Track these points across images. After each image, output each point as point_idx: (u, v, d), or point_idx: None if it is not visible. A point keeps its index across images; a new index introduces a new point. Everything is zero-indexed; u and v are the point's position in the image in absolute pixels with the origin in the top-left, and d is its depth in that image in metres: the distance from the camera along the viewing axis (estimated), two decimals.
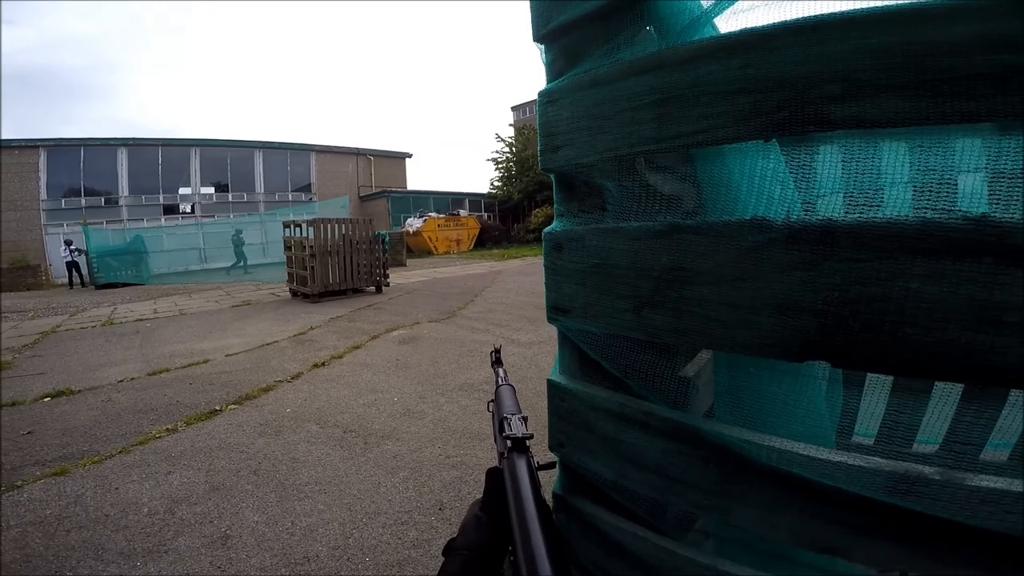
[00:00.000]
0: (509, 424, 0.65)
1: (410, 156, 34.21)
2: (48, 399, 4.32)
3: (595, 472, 0.95)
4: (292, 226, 10.67)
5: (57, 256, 18.48)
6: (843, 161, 0.70)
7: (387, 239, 11.99)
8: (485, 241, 27.26)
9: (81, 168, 23.28)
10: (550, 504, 0.93)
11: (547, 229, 0.98)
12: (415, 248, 23.30)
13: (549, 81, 0.96)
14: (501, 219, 32.08)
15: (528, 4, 0.96)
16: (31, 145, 22.01)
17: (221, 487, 2.76)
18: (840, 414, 0.97)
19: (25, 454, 3.21)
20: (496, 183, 33.40)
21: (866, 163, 0.68)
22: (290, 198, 28.06)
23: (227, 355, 5.73)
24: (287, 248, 10.69)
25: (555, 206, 0.99)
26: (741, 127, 0.68)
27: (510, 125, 36.45)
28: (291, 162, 28.83)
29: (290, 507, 2.55)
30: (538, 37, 0.97)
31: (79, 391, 4.51)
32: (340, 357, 5.43)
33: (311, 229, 9.77)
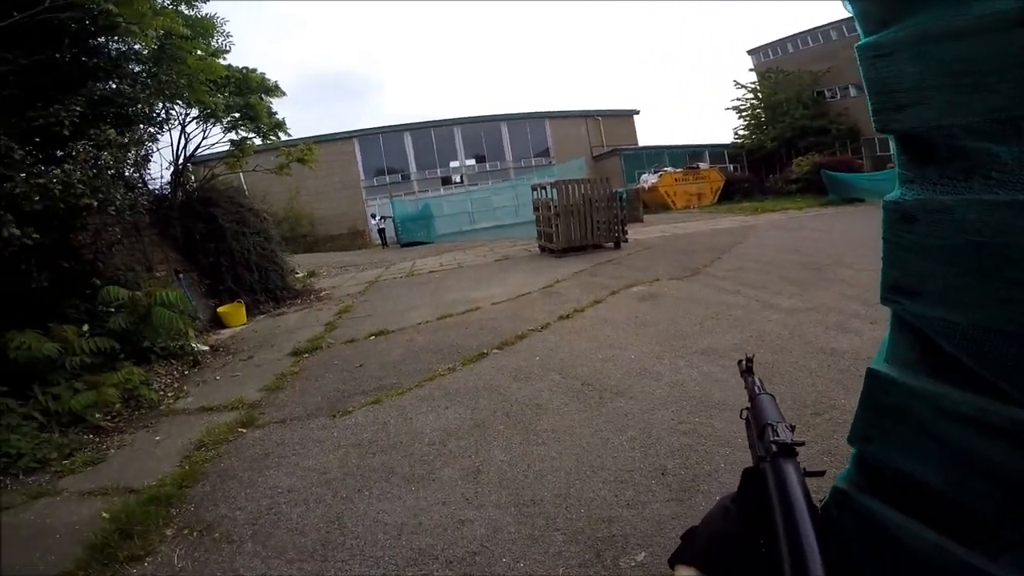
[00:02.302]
0: (775, 430, 0.65)
1: (637, 113, 32.95)
2: (373, 337, 5.71)
3: (910, 475, 0.88)
4: (539, 189, 11.53)
5: (372, 224, 24.21)
6: None
7: (624, 196, 11.89)
8: (732, 194, 24.57)
9: (382, 152, 29.59)
10: (827, 498, 0.97)
11: (889, 197, 0.85)
12: (651, 204, 22.47)
13: (869, 33, 0.82)
14: (751, 169, 28.41)
15: None
16: (347, 137, 28.86)
17: (481, 425, 3.23)
18: None
19: (356, 384, 4.26)
20: (741, 132, 29.57)
21: None
22: (533, 163, 30.22)
23: (493, 304, 6.64)
24: (535, 209, 11.63)
25: (900, 172, 0.85)
26: None
27: (750, 70, 31.28)
28: (530, 131, 30.92)
29: (529, 451, 2.85)
30: None
31: (392, 331, 5.83)
32: (582, 311, 5.72)
33: (555, 191, 10.40)
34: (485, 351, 4.65)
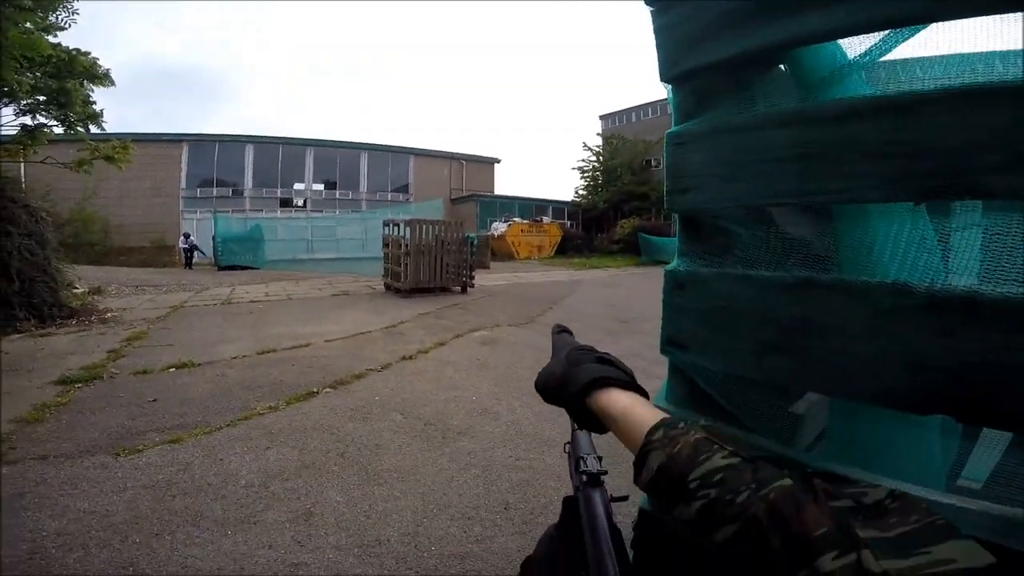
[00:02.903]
0: (585, 462, 0.72)
1: (498, 161, 34.99)
2: (173, 369, 4.89)
3: None
4: (391, 225, 11.37)
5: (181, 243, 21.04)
6: (990, 232, 0.70)
7: (475, 242, 12.37)
8: (567, 249, 27.18)
9: (215, 161, 26.43)
10: (633, 519, 1.14)
11: (668, 267, 1.02)
12: (498, 251, 23.74)
13: (677, 123, 0.99)
14: (584, 227, 31.84)
15: (653, 40, 1.00)
16: (176, 140, 25.35)
17: (311, 466, 2.99)
18: (953, 461, 1.00)
19: (148, 420, 3.62)
20: (581, 192, 33.23)
21: (1014, 237, 0.67)
22: (389, 198, 29.83)
23: (326, 340, 6.20)
24: (385, 245, 11.40)
25: (678, 245, 1.04)
26: (889, 190, 0.69)
27: (597, 134, 35.72)
28: (392, 164, 30.68)
29: (370, 491, 2.72)
30: (666, 78, 1.00)
31: (199, 364, 5.07)
32: (426, 352, 5.70)
33: (408, 228, 10.36)
34: (315, 390, 4.31)
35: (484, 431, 3.56)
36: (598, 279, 15.24)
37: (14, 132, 7.92)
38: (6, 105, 7.40)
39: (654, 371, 4.90)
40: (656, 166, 31.64)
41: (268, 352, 5.61)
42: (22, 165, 8.73)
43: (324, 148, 28.80)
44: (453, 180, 31.76)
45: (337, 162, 29.16)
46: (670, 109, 1.06)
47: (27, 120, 7.90)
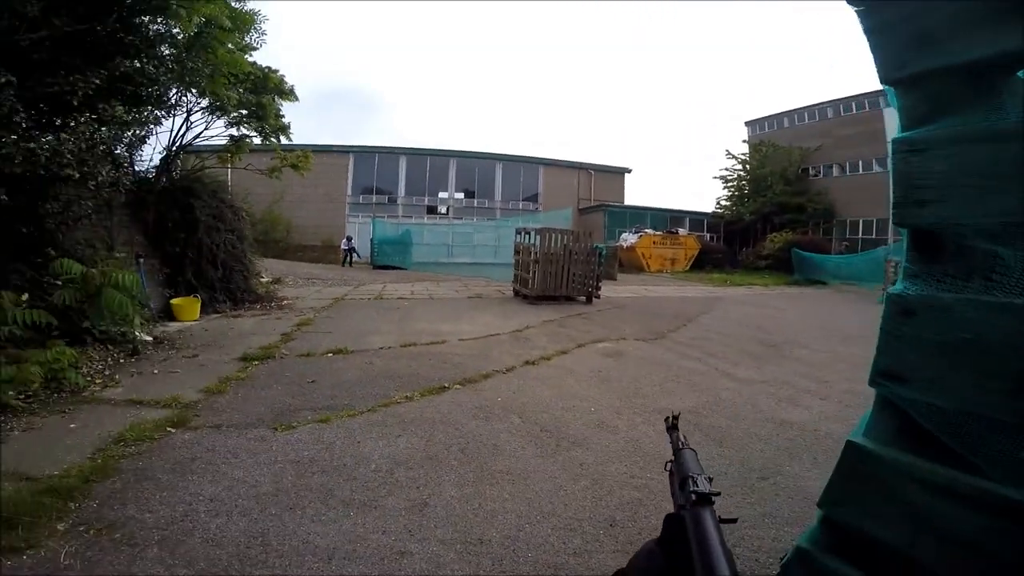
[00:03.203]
0: (695, 481, 0.71)
1: (629, 171, 33.92)
2: (330, 355, 5.52)
3: (874, 535, 0.97)
4: (523, 233, 11.68)
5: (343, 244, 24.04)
6: None
7: (603, 252, 12.15)
8: (704, 263, 25.29)
9: (375, 171, 29.75)
10: (783, 554, 1.14)
11: (894, 290, 0.93)
12: (627, 263, 22.97)
13: (907, 128, 0.91)
14: (726, 241, 29.44)
15: (867, 42, 0.93)
16: (344, 151, 29.05)
17: (434, 458, 3.12)
18: None
19: (305, 399, 4.08)
20: (724, 202, 30.72)
21: None
22: (520, 207, 30.79)
23: (460, 340, 6.55)
24: (516, 252, 11.73)
25: (906, 265, 0.93)
26: None
27: (743, 141, 32.75)
28: (523, 174, 31.64)
29: (482, 490, 2.76)
30: (890, 80, 0.93)
31: (352, 352, 5.66)
32: (548, 359, 5.70)
33: (538, 237, 10.54)
34: (446, 385, 4.55)
35: (600, 444, 3.44)
36: (741, 297, 13.98)
37: (223, 142, 9.66)
38: (219, 117, 8.99)
39: (802, 400, 4.49)
40: (815, 175, 28.10)
41: (410, 345, 6.07)
42: (229, 171, 10.53)
43: (465, 158, 30.72)
44: (581, 190, 31.65)
45: (476, 172, 30.89)
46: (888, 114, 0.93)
47: (233, 131, 9.54)
